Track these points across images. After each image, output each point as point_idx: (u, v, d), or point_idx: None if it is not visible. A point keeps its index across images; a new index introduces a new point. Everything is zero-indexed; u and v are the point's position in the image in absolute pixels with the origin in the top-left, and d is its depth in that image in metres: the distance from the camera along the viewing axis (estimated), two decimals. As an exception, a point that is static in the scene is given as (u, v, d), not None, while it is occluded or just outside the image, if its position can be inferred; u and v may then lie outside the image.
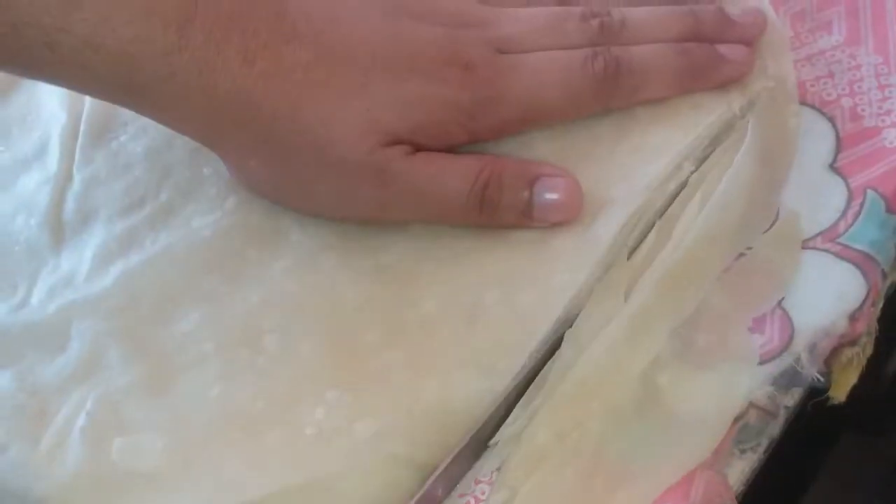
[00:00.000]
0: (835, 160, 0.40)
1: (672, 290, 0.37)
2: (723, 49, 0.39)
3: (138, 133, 0.42)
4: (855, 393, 0.38)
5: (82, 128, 0.42)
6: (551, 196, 0.36)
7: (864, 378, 0.38)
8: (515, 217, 0.37)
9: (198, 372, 0.36)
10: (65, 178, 0.41)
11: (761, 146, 0.39)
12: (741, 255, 0.38)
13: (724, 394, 0.36)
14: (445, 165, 0.36)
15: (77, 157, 0.41)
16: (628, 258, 0.37)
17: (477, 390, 0.35)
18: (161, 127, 0.41)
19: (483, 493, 0.35)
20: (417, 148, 0.36)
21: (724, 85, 0.39)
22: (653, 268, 0.36)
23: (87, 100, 0.43)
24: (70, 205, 0.40)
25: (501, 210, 0.36)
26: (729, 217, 0.38)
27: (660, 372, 0.37)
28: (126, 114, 0.42)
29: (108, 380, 0.36)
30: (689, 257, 0.37)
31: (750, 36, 0.40)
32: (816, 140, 0.41)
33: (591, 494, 0.36)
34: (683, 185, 0.38)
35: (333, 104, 0.35)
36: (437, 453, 0.34)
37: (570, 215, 0.37)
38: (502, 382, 0.35)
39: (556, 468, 0.35)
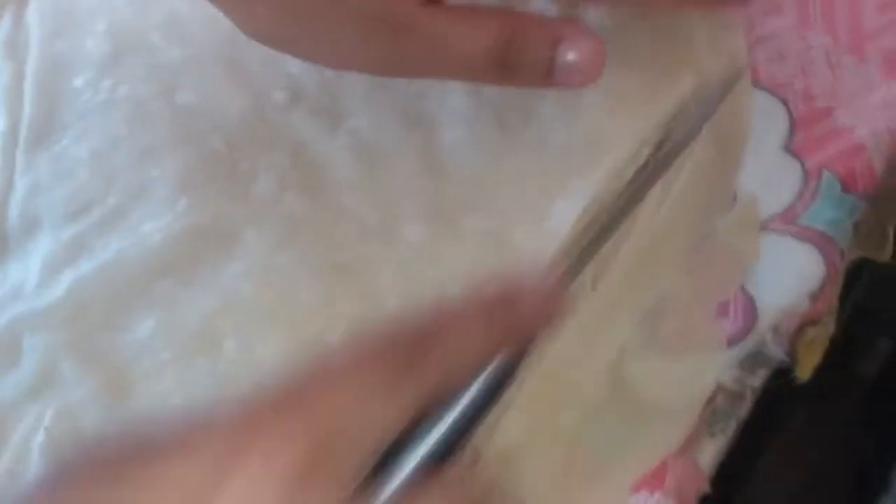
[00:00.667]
0: (789, 142, 0.40)
1: (636, 278, 0.36)
2: None
3: (81, 136, 0.40)
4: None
5: (23, 133, 0.40)
6: (575, 57, 0.34)
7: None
8: (537, 77, 0.35)
9: (156, 381, 0.35)
10: (6, 186, 0.40)
11: (715, 127, 0.39)
12: (702, 241, 0.38)
13: (693, 381, 0.36)
14: (467, 18, 0.34)
15: (18, 163, 0.40)
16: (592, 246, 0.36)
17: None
18: (105, 128, 0.40)
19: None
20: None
21: (717, 8, 0.39)
22: (619, 257, 0.36)
23: (27, 103, 0.41)
24: (13, 212, 0.39)
25: (523, 69, 0.35)
26: (688, 202, 0.38)
27: (627, 362, 0.36)
28: (67, 117, 0.41)
29: (64, 393, 0.35)
30: (651, 245, 0.37)
31: None
32: (770, 122, 0.41)
33: (566, 488, 0.36)
34: (643, 168, 0.38)
35: None
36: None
37: (592, 77, 0.35)
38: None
39: (531, 463, 0.35)
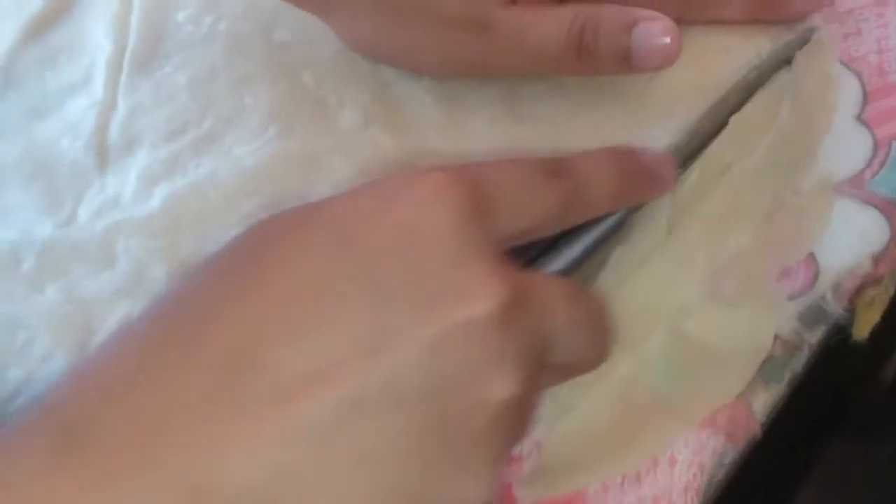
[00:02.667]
0: (861, 112, 0.41)
1: (714, 231, 0.37)
2: None
3: (182, 65, 0.42)
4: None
5: (127, 58, 0.43)
6: (651, 41, 0.36)
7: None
8: (615, 63, 0.36)
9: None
10: (110, 104, 0.42)
11: (804, 94, 0.40)
12: (779, 204, 0.39)
13: (752, 333, 0.37)
14: (543, 12, 0.36)
15: (122, 85, 0.42)
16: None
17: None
18: (204, 59, 0.42)
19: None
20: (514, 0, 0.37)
21: (792, 18, 0.41)
22: (698, 206, 0.37)
23: (133, 32, 0.43)
24: (115, 130, 0.41)
25: (600, 56, 0.36)
26: (772, 162, 0.39)
27: (688, 314, 0.37)
28: (170, 46, 0.43)
29: (153, 294, 0.37)
30: (733, 199, 0.38)
31: None
32: (843, 93, 0.42)
33: (623, 431, 0.37)
34: (720, 127, 0.40)
35: None
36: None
37: (670, 60, 0.36)
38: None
39: (586, 409, 0.36)
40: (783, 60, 0.41)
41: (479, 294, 0.27)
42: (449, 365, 0.27)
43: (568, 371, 0.32)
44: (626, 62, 0.36)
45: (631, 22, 0.36)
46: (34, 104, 0.43)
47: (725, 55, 0.40)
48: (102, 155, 0.41)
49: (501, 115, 0.40)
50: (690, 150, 0.38)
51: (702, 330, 0.38)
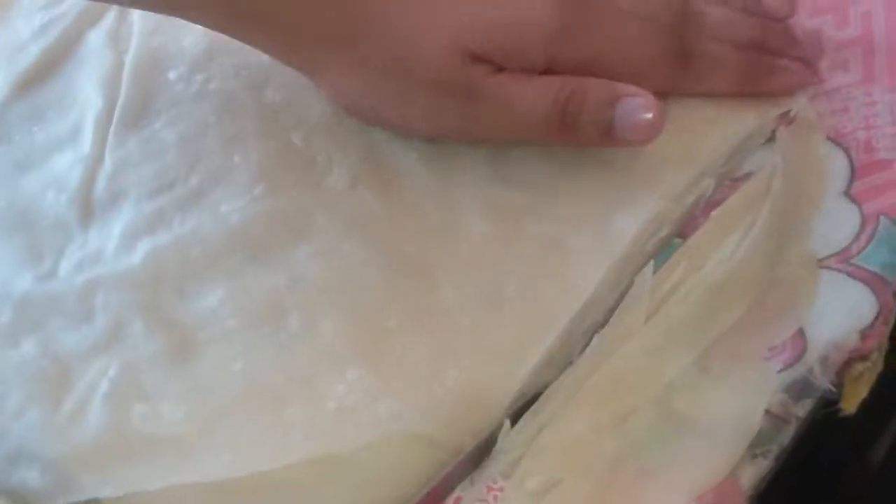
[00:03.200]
0: (849, 188, 0.41)
1: (703, 313, 0.37)
2: (782, 61, 0.41)
3: (172, 122, 0.43)
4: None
5: (117, 114, 0.43)
6: (634, 116, 0.36)
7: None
8: (597, 135, 0.37)
9: (220, 346, 0.37)
10: (97, 159, 0.42)
11: (794, 173, 0.40)
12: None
13: (742, 409, 0.37)
14: (529, 82, 0.37)
15: (110, 140, 0.42)
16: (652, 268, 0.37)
17: (497, 376, 0.35)
18: (194, 116, 0.42)
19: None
20: (500, 69, 0.37)
21: (778, 94, 0.41)
22: (684, 291, 0.37)
23: (124, 88, 0.44)
24: (101, 184, 0.41)
25: (583, 127, 0.37)
26: (764, 244, 0.39)
27: (675, 394, 0.37)
28: (161, 103, 0.43)
29: (131, 350, 0.37)
30: (723, 283, 0.37)
31: (809, 55, 0.42)
32: (831, 168, 0.42)
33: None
34: (701, 199, 0.40)
35: (424, 18, 0.36)
36: (456, 434, 0.34)
37: (651, 136, 0.37)
38: (522, 370, 0.35)
39: (571, 483, 0.35)
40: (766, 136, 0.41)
41: None
42: None
43: None
44: (609, 135, 0.37)
45: (614, 96, 0.37)
46: (21, 157, 0.43)
47: (712, 126, 0.40)
48: (87, 209, 0.41)
49: (488, 178, 0.40)
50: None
51: (691, 406, 0.37)
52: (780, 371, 0.38)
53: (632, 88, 0.37)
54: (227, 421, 0.35)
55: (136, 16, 0.46)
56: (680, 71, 0.40)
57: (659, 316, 0.37)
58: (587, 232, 0.38)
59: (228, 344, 0.37)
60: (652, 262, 0.37)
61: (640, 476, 0.36)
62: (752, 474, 0.36)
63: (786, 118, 0.41)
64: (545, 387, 0.36)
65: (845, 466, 0.40)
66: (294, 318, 0.37)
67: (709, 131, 0.40)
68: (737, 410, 0.37)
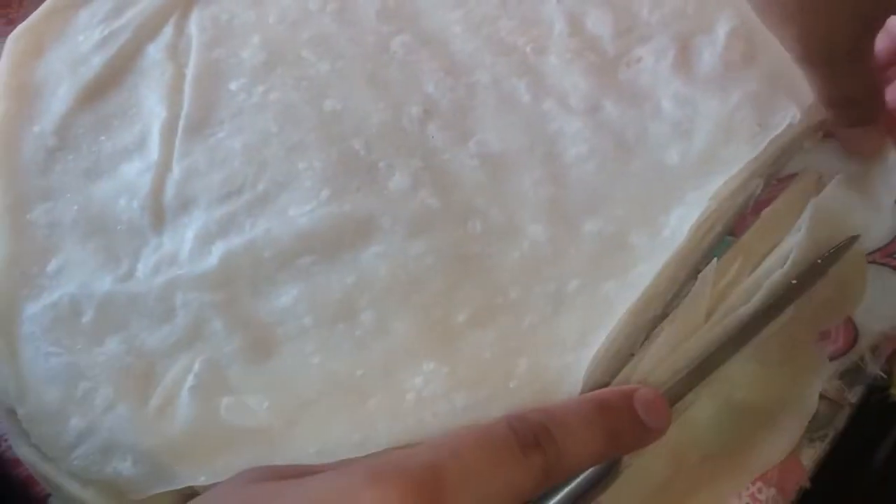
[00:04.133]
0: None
1: (766, 309, 0.38)
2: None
3: (235, 131, 0.44)
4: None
5: (181, 123, 0.44)
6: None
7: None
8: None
9: (298, 342, 0.38)
10: (164, 167, 0.43)
11: (853, 178, 0.42)
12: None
13: (799, 394, 0.39)
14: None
15: (177, 149, 0.44)
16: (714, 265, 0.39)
17: (563, 367, 0.37)
18: (257, 126, 0.44)
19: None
20: None
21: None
22: (747, 287, 0.39)
23: (186, 99, 0.45)
24: (170, 191, 0.43)
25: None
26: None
27: (734, 384, 0.39)
28: (224, 113, 0.45)
29: (213, 347, 0.38)
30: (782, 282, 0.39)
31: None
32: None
33: (675, 489, 0.38)
34: (751, 199, 0.41)
35: None
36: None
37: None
38: (587, 361, 0.37)
39: (638, 467, 0.37)
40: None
41: None
42: None
43: None
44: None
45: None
46: (89, 165, 0.44)
47: (762, 130, 0.42)
48: (158, 214, 0.42)
49: (542, 179, 0.42)
50: (686, 384, 0.37)
51: (749, 393, 0.39)
52: (833, 359, 0.40)
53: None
54: (311, 412, 0.37)
55: (194, 29, 0.48)
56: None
57: (719, 312, 0.38)
58: (643, 230, 0.40)
59: (305, 340, 0.38)
60: (715, 259, 0.39)
61: (703, 461, 0.38)
62: (811, 457, 0.39)
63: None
64: (611, 377, 0.37)
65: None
66: (367, 316, 0.39)
67: (755, 135, 0.42)
68: (794, 395, 0.39)
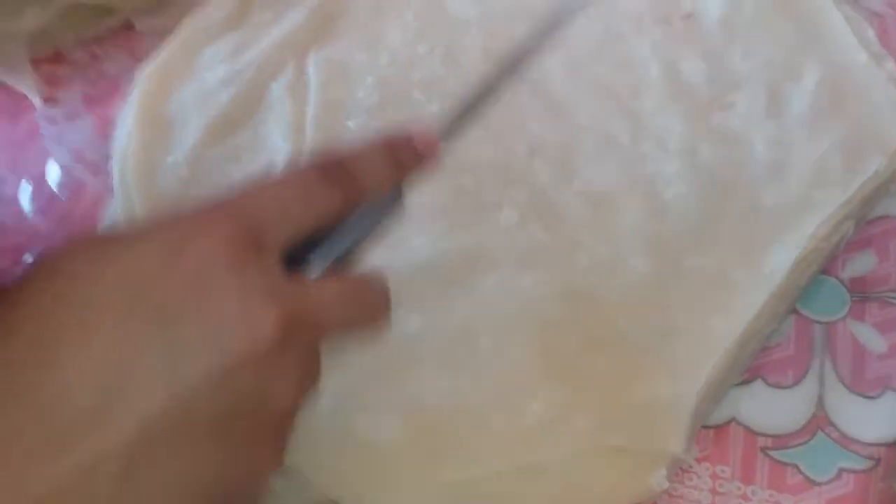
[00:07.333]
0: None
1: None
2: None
3: (354, 166, 0.47)
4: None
5: (305, 159, 0.48)
6: None
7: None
8: None
9: (424, 366, 0.42)
10: (291, 200, 0.47)
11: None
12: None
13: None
14: None
15: (301, 182, 0.47)
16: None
17: (675, 395, 0.40)
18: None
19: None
20: None
21: None
22: None
23: (308, 135, 0.49)
24: (297, 223, 0.46)
25: None
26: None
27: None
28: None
29: (346, 368, 0.41)
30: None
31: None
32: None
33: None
34: (843, 239, 0.44)
35: None
36: (646, 445, 0.39)
37: None
38: (697, 388, 0.40)
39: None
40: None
41: (259, 327, 0.30)
42: (236, 393, 0.30)
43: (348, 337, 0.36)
44: None
45: None
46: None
47: (853, 175, 0.45)
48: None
49: (644, 216, 0.45)
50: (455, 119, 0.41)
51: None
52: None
53: None
54: (440, 430, 0.40)
55: (312, 69, 0.51)
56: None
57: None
58: (744, 267, 0.43)
59: (431, 364, 0.42)
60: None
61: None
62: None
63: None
64: (715, 405, 0.40)
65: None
66: (485, 342, 0.42)
67: (845, 178, 0.45)
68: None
